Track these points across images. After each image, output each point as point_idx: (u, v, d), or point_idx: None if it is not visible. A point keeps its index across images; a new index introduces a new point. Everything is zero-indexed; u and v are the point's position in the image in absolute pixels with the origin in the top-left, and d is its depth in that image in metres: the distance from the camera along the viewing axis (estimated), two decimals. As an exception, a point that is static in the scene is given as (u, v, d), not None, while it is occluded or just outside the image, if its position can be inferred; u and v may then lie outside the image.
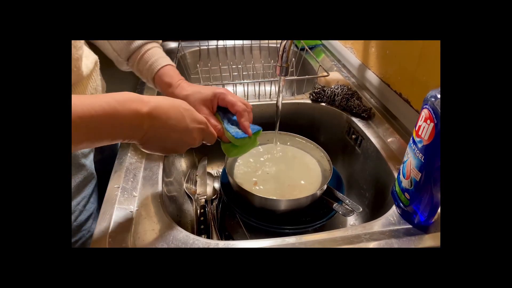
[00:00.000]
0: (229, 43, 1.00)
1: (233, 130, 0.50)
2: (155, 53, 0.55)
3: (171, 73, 0.55)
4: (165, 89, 0.54)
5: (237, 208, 0.59)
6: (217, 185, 0.70)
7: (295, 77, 0.76)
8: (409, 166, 0.45)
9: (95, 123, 0.33)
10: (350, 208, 0.58)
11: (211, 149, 0.74)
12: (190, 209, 0.66)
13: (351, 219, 0.67)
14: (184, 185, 0.69)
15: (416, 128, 0.43)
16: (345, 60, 0.86)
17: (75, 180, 0.54)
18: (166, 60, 0.56)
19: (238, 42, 1.00)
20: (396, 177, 0.50)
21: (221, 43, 1.00)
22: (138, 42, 0.55)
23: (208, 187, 0.69)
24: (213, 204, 0.66)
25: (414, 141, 0.43)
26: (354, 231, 0.45)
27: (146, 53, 0.55)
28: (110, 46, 0.55)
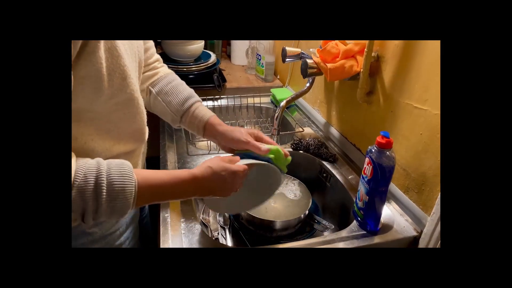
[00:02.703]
0: (223, 103, 1.26)
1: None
2: (202, 109, 0.74)
3: (218, 119, 0.73)
4: (214, 129, 0.70)
5: (243, 231, 0.82)
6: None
7: (282, 133, 1.03)
8: (361, 192, 0.71)
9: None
10: (326, 226, 0.83)
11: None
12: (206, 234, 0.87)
13: (325, 234, 0.91)
14: (201, 216, 0.91)
15: (363, 169, 0.69)
16: (314, 118, 1.15)
17: (130, 214, 0.73)
18: (211, 112, 0.74)
19: (230, 102, 1.26)
20: (354, 201, 0.76)
21: (217, 103, 1.26)
22: (188, 103, 0.73)
23: (220, 217, 0.91)
24: (225, 230, 0.88)
25: (362, 177, 0.70)
26: (330, 237, 0.70)
27: (196, 109, 0.72)
28: (168, 110, 0.73)
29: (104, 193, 0.45)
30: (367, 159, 0.68)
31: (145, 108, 0.77)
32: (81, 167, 0.45)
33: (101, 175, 0.46)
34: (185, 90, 0.76)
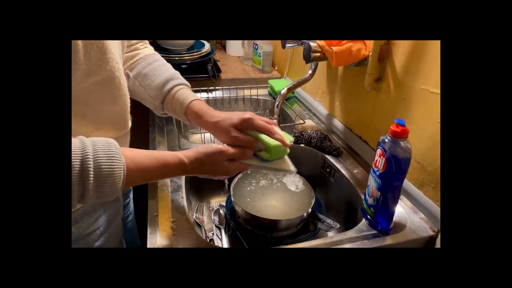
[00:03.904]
0: (218, 95, 1.19)
1: (267, 138, 0.56)
2: (184, 92, 0.64)
3: (200, 105, 0.62)
4: (197, 120, 0.61)
5: (241, 231, 0.74)
6: (222, 211, 0.84)
7: (281, 125, 0.96)
8: (371, 188, 0.64)
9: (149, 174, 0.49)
10: (331, 225, 0.76)
11: (209, 189, 0.90)
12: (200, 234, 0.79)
13: (330, 234, 0.84)
14: (194, 215, 0.83)
15: (374, 162, 0.62)
16: (315, 110, 1.08)
17: (112, 211, 0.65)
18: (194, 96, 0.64)
19: (226, 94, 1.19)
20: (363, 197, 0.69)
21: (211, 95, 1.18)
22: (169, 86, 0.64)
23: (215, 216, 0.83)
24: (221, 230, 0.81)
25: (373, 171, 0.63)
26: (338, 237, 0.63)
27: (177, 93, 0.63)
28: (147, 95, 0.65)
29: (91, 178, 0.40)
30: (379, 151, 0.61)
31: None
32: None
33: (87, 158, 0.40)
34: (166, 71, 0.66)
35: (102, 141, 0.44)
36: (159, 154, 0.50)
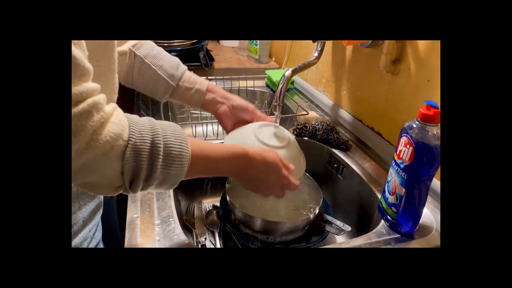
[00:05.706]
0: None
1: None
2: (196, 76, 0.67)
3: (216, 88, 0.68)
4: (223, 93, 0.67)
5: (238, 235, 0.64)
6: (216, 213, 0.74)
7: (283, 115, 0.86)
8: (393, 184, 0.54)
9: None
10: (341, 228, 0.66)
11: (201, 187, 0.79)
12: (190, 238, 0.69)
13: (339, 238, 0.74)
14: (184, 217, 0.72)
15: (397, 152, 0.53)
16: (318, 101, 0.98)
17: (90, 207, 0.55)
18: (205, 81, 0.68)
19: (219, 85, 1.08)
20: (381, 195, 0.59)
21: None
22: (182, 68, 0.66)
23: (207, 218, 0.73)
24: (215, 234, 0.70)
25: (396, 163, 0.53)
26: (355, 242, 0.53)
27: (192, 75, 0.67)
28: (161, 75, 0.64)
29: (161, 156, 0.38)
30: (403, 139, 0.51)
31: (126, 84, 0.67)
32: (134, 123, 0.38)
33: (157, 135, 0.38)
34: (170, 56, 0.67)
35: (166, 122, 0.42)
36: (224, 145, 0.48)
